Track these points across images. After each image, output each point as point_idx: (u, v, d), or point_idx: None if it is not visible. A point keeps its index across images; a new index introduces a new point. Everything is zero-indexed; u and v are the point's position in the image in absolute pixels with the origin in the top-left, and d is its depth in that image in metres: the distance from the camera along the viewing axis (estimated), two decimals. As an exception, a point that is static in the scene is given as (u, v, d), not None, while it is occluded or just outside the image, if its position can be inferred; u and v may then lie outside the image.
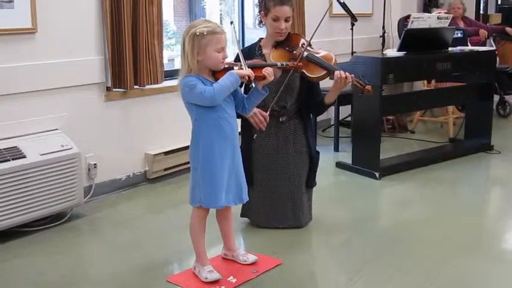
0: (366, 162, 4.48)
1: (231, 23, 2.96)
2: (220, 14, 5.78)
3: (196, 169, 2.71)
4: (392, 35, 6.43)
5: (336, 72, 3.15)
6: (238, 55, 2.81)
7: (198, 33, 2.58)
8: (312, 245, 3.32)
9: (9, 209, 3.19)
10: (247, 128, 3.30)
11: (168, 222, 3.57)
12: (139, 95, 4.19)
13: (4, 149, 3.26)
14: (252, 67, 2.78)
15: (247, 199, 2.87)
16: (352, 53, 5.69)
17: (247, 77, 2.66)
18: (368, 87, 3.22)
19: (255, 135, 3.25)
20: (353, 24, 5.66)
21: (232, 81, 2.63)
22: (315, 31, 3.24)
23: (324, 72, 3.20)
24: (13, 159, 3.22)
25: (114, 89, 3.98)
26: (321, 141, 5.48)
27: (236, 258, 2.94)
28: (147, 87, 4.18)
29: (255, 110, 3.10)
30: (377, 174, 4.40)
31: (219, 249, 3.03)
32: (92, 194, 3.89)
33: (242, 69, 2.71)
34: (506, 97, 6.68)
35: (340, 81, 3.15)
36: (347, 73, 3.16)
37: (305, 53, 3.19)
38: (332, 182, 4.47)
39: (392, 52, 4.81)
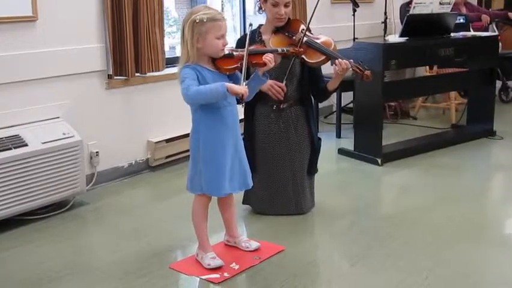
0: (368, 149, 4.48)
1: (250, 25, 2.89)
2: (222, 1, 5.76)
3: (196, 157, 2.70)
4: (394, 21, 6.39)
5: (336, 62, 3.14)
6: (238, 41, 2.78)
7: (197, 20, 2.56)
8: (315, 231, 3.32)
9: (12, 197, 3.20)
10: (249, 115, 3.30)
11: (170, 210, 3.57)
12: (141, 83, 4.18)
13: (6, 137, 3.26)
14: (253, 53, 2.76)
15: (252, 184, 2.87)
16: (354, 39, 5.66)
17: (240, 95, 2.54)
18: (367, 72, 3.20)
19: (275, 105, 3.28)
20: (354, 10, 5.63)
21: (219, 93, 2.52)
22: (311, 17, 3.24)
23: (323, 57, 3.18)
24: (15, 148, 3.23)
25: (115, 77, 3.97)
26: (323, 127, 5.48)
27: (238, 245, 2.95)
28: (148, 74, 4.17)
29: (271, 82, 3.13)
30: (379, 161, 4.40)
31: (221, 236, 3.04)
32: (94, 182, 3.90)
33: (240, 84, 2.58)
34: (509, 83, 6.65)
35: (340, 69, 3.14)
36: (345, 60, 3.14)
37: (304, 39, 3.18)
38: (334, 168, 4.47)
39: (394, 38, 4.79)
